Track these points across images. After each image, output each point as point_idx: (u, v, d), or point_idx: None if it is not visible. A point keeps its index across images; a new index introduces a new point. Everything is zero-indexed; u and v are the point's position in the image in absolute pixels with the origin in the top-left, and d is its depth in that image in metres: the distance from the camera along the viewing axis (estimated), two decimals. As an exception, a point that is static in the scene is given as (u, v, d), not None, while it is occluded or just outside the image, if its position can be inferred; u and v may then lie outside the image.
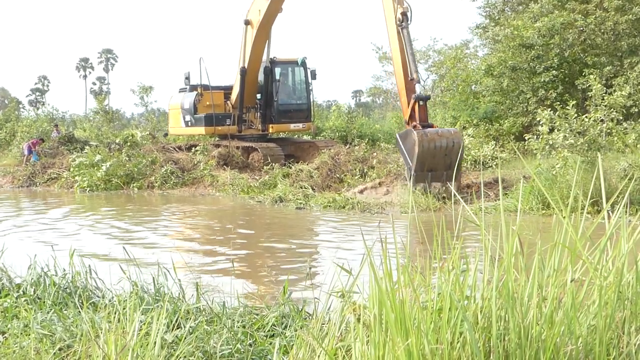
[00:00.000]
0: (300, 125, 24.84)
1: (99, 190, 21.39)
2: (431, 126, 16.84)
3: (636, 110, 23.23)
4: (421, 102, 16.57)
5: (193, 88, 25.04)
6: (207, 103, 24.22)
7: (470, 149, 20.87)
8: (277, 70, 24.32)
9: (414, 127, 16.10)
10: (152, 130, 30.04)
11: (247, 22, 22.75)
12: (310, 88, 25.36)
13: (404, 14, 16.55)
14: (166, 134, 28.49)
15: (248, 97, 24.01)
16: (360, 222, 13.32)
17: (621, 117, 17.22)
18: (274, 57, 24.28)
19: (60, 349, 4.57)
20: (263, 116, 24.32)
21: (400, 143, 16.41)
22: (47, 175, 24.02)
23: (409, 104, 16.71)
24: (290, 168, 20.36)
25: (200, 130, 24.38)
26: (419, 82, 17.04)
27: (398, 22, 16.51)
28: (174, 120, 26.16)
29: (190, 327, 4.85)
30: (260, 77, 24.09)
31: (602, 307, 2.67)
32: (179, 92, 26.34)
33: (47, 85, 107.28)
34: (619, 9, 25.01)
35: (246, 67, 23.14)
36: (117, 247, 10.46)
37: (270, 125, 24.29)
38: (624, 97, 17.25)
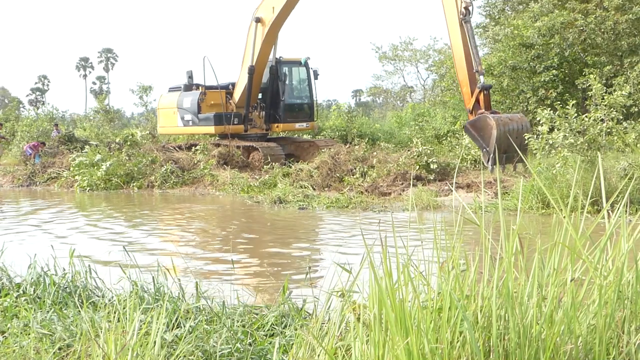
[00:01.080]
0: (305, 124, 24.90)
1: (99, 189, 21.39)
2: (496, 112, 17.56)
3: (636, 109, 23.25)
4: (485, 92, 17.11)
5: (188, 87, 24.93)
6: (212, 102, 24.15)
7: (470, 149, 20.85)
8: (283, 70, 24.31)
9: (482, 113, 16.62)
10: (152, 130, 30.00)
11: (257, 20, 22.53)
12: (313, 88, 25.39)
13: (466, 7, 16.92)
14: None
15: (254, 95, 23.98)
16: (364, 220, 13.35)
17: (621, 117, 17.22)
18: (280, 57, 24.24)
19: (60, 349, 4.57)
20: (267, 115, 24.28)
21: (472, 131, 16.79)
22: (47, 175, 24.04)
23: (472, 93, 17.16)
24: (290, 167, 20.38)
25: (209, 129, 24.19)
26: (482, 73, 17.42)
27: (461, 16, 16.78)
28: (166, 119, 25.92)
29: (190, 326, 4.85)
30: (265, 76, 24.03)
31: (602, 306, 2.67)
32: (169, 91, 26.16)
33: (47, 85, 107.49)
34: (619, 9, 25.02)
35: (254, 65, 22.98)
36: (117, 247, 10.47)
37: (276, 125, 24.30)
38: (624, 96, 17.25)
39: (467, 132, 17.56)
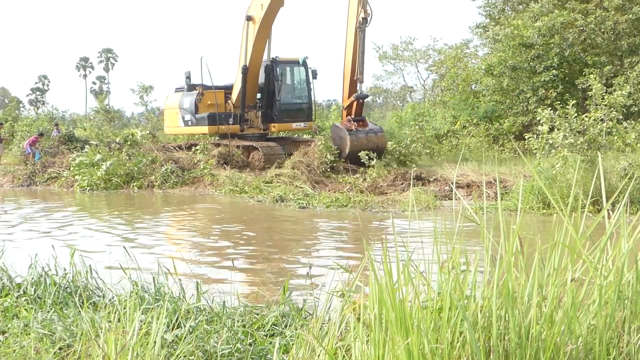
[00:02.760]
0: (302, 124, 24.88)
1: (99, 189, 21.40)
2: (364, 120, 19.70)
3: (636, 109, 23.26)
4: (360, 101, 19.03)
5: (191, 87, 25.05)
6: (209, 102, 24.25)
7: (471, 150, 20.95)
8: (279, 70, 24.33)
9: (349, 125, 18.99)
10: (152, 130, 30.04)
11: (248, 18, 22.72)
12: (312, 88, 25.36)
13: (364, 18, 18.22)
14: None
15: (249, 95, 24.00)
16: (364, 220, 13.36)
17: (621, 117, 17.22)
18: (276, 57, 24.28)
19: (60, 349, 4.57)
20: (264, 115, 24.33)
21: (334, 135, 19.81)
22: (47, 175, 24.06)
23: (349, 97, 19.03)
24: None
25: (203, 129, 24.33)
26: (362, 82, 18.95)
27: (358, 24, 17.73)
28: (171, 119, 26.13)
29: (191, 326, 4.85)
30: (261, 76, 24.11)
31: (602, 306, 2.68)
32: (175, 91, 26.32)
33: (47, 85, 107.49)
34: (619, 9, 25.04)
35: (248, 65, 23.09)
36: (117, 247, 10.47)
37: (273, 125, 24.30)
38: (624, 96, 17.25)
39: (331, 132, 20.50)
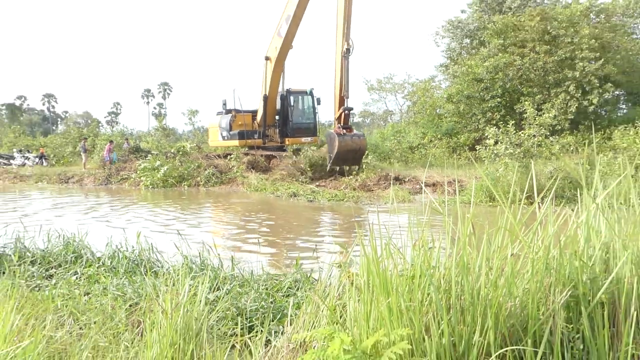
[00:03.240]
0: (309, 138, 24.96)
1: (159, 187, 21.48)
2: (350, 127, 19.35)
3: (559, 127, 23.22)
4: (346, 112, 18.78)
5: (227, 112, 25.28)
6: (240, 122, 24.56)
7: (436, 158, 20.95)
8: (292, 98, 24.54)
9: (338, 131, 18.62)
10: (198, 143, 30.01)
11: (267, 58, 22.99)
12: (316, 111, 25.51)
13: (347, 49, 18.11)
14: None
15: (269, 117, 24.26)
16: (357, 211, 13.35)
17: (548, 133, 17.20)
18: (289, 88, 24.41)
19: (130, 305, 4.59)
20: (281, 132, 24.55)
21: (328, 139, 19.18)
22: (120, 176, 24.18)
23: (338, 109, 18.78)
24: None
25: (235, 142, 24.64)
26: (348, 97, 18.81)
27: (343, 54, 18.03)
28: (212, 135, 26.46)
29: (227, 289, 4.87)
30: (278, 102, 24.29)
31: (534, 274, 2.68)
32: (217, 115, 26.56)
33: (120, 109, 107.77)
34: (547, 52, 25.02)
35: (267, 94, 23.31)
36: (172, 229, 10.48)
37: (287, 139, 24.45)
38: (550, 118, 17.24)
39: (325, 137, 19.96)
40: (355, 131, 19.75)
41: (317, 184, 18.86)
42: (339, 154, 18.46)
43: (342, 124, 18.67)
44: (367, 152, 21.12)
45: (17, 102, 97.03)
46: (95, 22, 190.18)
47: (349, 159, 19.09)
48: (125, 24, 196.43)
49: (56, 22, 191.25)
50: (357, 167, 19.63)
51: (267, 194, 17.79)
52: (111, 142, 30.12)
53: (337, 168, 19.58)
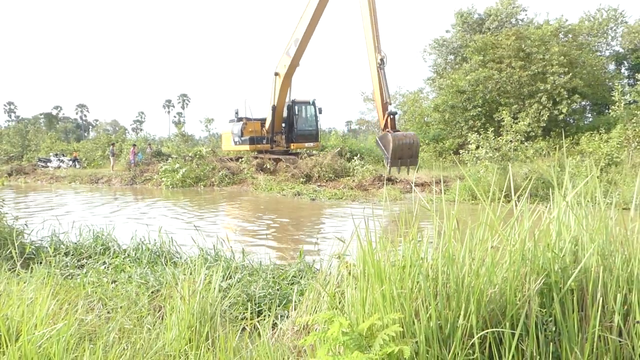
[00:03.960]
0: (312, 144, 24.99)
1: (178, 187, 21.48)
2: (398, 131, 17.85)
3: (533, 134, 23.22)
4: (392, 116, 17.51)
5: (239, 119, 25.27)
6: (250, 129, 24.57)
7: (424, 161, 20.91)
8: (296, 108, 24.55)
9: (387, 131, 17.15)
10: (213, 148, 30.00)
11: (276, 74, 22.98)
12: (318, 119, 25.52)
13: (382, 59, 17.22)
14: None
15: (277, 125, 24.27)
16: (354, 207, 13.33)
17: (523, 139, 17.19)
18: (294, 99, 24.42)
19: (152, 292, 4.58)
20: (287, 138, 24.56)
21: (380, 142, 17.48)
22: (144, 177, 24.17)
23: (384, 116, 17.53)
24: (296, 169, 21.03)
25: (246, 147, 24.54)
26: (390, 104, 17.77)
27: (378, 65, 17.03)
28: (226, 141, 26.43)
29: (238, 278, 4.86)
30: (285, 111, 24.30)
31: (511, 264, 2.67)
32: (229, 122, 26.57)
33: (144, 117, 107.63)
34: (521, 67, 25.03)
35: (276, 105, 23.32)
36: (189, 223, 10.47)
37: (292, 144, 24.46)
38: (525, 125, 17.26)
39: (377, 144, 18.25)
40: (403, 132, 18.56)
41: (319, 184, 18.82)
42: (395, 150, 16.77)
43: (390, 128, 17.43)
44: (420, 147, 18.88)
45: (54, 112, 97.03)
46: (124, 41, 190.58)
47: (404, 155, 17.26)
48: (149, 42, 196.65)
49: (89, 40, 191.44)
50: (415, 165, 17.47)
51: (274, 193, 17.78)
52: (134, 145, 30.42)
53: (397, 168, 17.44)
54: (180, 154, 26.47)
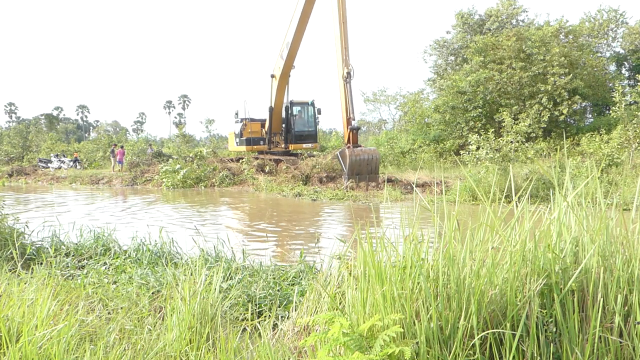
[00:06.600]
0: (310, 144, 25.05)
1: (178, 188, 21.46)
2: (359, 146, 18.16)
3: (534, 135, 23.20)
4: (354, 131, 17.71)
5: (241, 120, 25.41)
6: (250, 130, 24.70)
7: (425, 161, 20.87)
8: (294, 108, 24.60)
9: (347, 147, 17.59)
10: (213, 148, 30.03)
11: (272, 76, 23.26)
12: (317, 120, 25.55)
13: (348, 73, 17.20)
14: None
15: (275, 126, 24.40)
16: (355, 208, 13.31)
17: (524, 140, 17.18)
18: (292, 100, 24.48)
19: (152, 293, 4.58)
20: (285, 139, 24.61)
21: (339, 157, 17.98)
22: (144, 178, 24.16)
23: (347, 130, 17.83)
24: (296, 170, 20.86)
25: (243, 148, 24.74)
26: (354, 119, 17.83)
27: (344, 78, 16.97)
28: (231, 142, 26.82)
29: (239, 278, 4.86)
30: (283, 112, 24.37)
31: (512, 265, 2.66)
32: (235, 123, 26.73)
33: (144, 118, 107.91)
34: (522, 68, 25.03)
35: (273, 106, 23.47)
36: (190, 224, 10.47)
37: (291, 145, 24.52)
38: (525, 126, 17.25)
39: (337, 157, 18.54)
40: (364, 148, 18.76)
41: (319, 184, 18.80)
42: (351, 165, 17.29)
43: (352, 143, 17.65)
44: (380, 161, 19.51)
45: (55, 113, 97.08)
46: (125, 42, 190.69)
47: (363, 170, 17.73)
48: (150, 43, 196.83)
49: (89, 41, 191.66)
50: (375, 181, 17.68)
51: (274, 194, 17.76)
52: (122, 147, 30.79)
53: (356, 180, 17.73)
54: (181, 155, 26.49)
